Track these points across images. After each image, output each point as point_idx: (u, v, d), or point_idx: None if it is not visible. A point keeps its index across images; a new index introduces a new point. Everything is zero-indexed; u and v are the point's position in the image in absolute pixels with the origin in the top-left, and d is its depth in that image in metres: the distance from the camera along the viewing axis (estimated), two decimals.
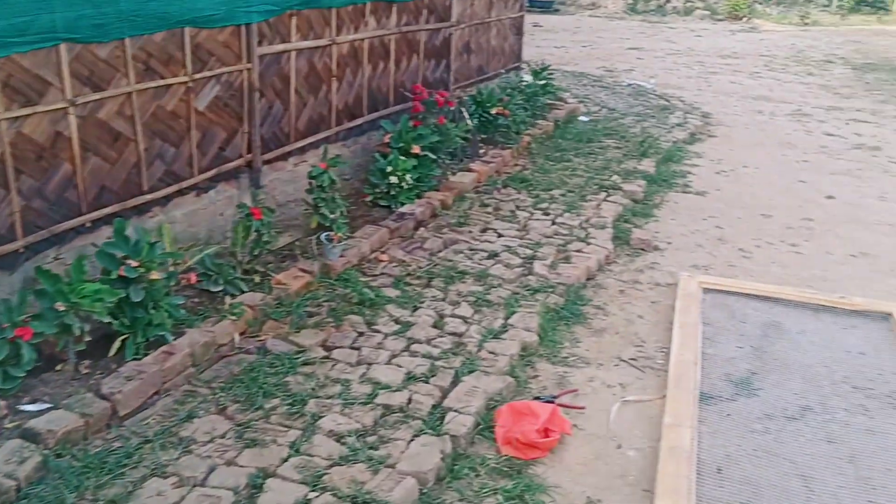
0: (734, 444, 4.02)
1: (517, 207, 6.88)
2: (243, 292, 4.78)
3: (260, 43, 5.43)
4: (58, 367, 3.96)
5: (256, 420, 3.81)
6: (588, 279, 5.78)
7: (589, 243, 6.22)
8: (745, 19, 25.26)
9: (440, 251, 5.84)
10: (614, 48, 17.29)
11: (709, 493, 3.64)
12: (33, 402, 3.70)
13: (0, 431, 3.50)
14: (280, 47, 5.65)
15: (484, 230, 6.35)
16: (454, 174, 7.20)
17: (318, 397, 4.01)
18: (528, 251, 5.97)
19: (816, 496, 3.67)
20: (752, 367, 4.76)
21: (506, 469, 3.73)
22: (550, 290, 5.37)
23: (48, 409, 3.62)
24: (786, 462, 3.90)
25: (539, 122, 9.20)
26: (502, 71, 9.56)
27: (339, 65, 6.35)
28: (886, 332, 5.22)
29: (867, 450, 4.00)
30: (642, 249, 6.42)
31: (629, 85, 12.71)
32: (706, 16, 25.96)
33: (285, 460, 3.54)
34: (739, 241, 6.76)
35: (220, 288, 4.75)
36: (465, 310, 5.02)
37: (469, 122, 7.65)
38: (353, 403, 3.97)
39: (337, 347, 4.49)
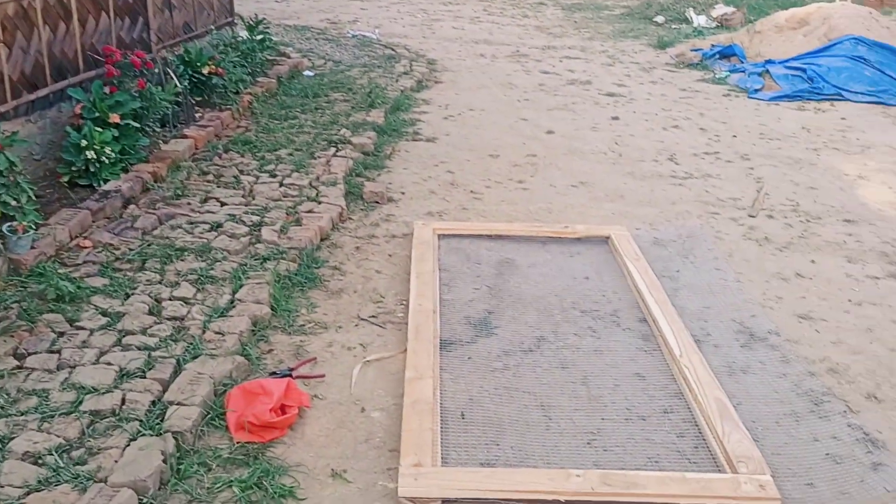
0: (476, 387, 4.00)
1: (241, 172, 6.42)
2: None
3: None
4: None
5: None
6: (322, 240, 5.53)
7: (320, 202, 5.96)
8: None
9: (154, 229, 5.27)
10: (337, 0, 16.94)
11: (454, 441, 3.59)
12: None
13: None
14: None
15: (205, 200, 5.83)
16: (166, 142, 6.54)
17: (8, 416, 3.41)
18: (256, 218, 5.57)
19: (554, 422, 3.75)
20: (490, 306, 4.79)
21: (241, 457, 3.42)
22: (282, 256, 5.06)
23: None
24: (525, 395, 3.96)
25: (260, 79, 8.69)
26: (213, 28, 8.87)
27: (5, 28, 5.45)
28: (606, 254, 5.51)
29: (596, 370, 4.17)
30: (376, 202, 6.27)
31: (354, 36, 12.48)
32: None
33: None
34: (470, 183, 6.83)
35: None
36: (187, 290, 4.56)
37: (178, 83, 7.00)
38: (53, 416, 3.42)
39: (31, 354, 3.85)
